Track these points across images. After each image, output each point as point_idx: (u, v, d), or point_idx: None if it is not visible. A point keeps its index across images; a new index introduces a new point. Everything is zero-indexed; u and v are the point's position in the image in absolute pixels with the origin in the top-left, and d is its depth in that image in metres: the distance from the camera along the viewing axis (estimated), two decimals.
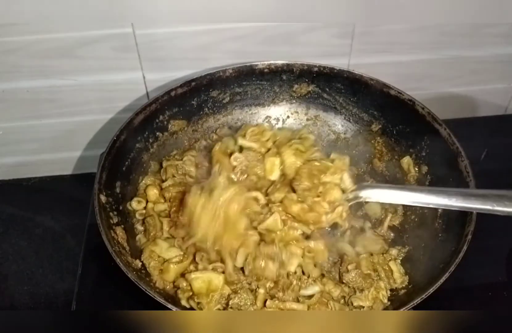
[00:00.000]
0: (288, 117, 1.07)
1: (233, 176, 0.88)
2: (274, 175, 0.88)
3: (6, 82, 1.00)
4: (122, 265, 0.76)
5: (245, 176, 0.88)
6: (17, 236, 1.10)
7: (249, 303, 0.81)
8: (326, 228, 0.87)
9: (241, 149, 0.91)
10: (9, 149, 1.14)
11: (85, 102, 1.06)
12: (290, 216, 0.84)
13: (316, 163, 0.87)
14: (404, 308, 0.74)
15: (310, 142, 0.93)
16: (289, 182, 0.86)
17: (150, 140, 0.99)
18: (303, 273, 0.86)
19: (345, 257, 0.87)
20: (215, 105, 1.03)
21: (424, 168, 0.95)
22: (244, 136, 0.92)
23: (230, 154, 0.90)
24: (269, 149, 0.91)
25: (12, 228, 1.11)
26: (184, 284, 0.83)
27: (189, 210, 0.83)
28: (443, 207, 0.83)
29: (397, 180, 0.97)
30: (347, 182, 0.87)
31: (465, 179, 0.85)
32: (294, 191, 0.85)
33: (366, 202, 0.92)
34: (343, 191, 0.86)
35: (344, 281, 0.84)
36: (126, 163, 0.94)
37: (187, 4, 0.88)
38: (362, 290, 0.84)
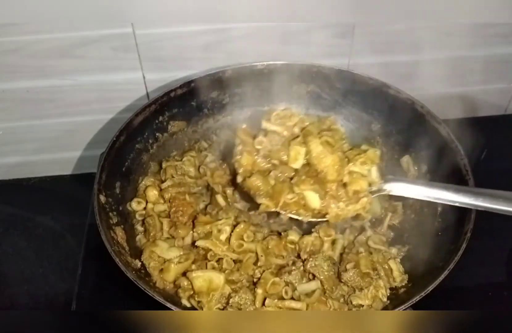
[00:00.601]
0: None
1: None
2: (297, 164, 0.85)
3: (6, 82, 1.00)
4: (122, 265, 0.76)
5: (268, 160, 0.86)
6: (17, 236, 1.10)
7: (249, 303, 0.81)
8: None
9: (265, 132, 0.88)
10: (9, 149, 1.14)
11: (85, 102, 1.06)
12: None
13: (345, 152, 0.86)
14: (403, 306, 0.74)
15: (340, 135, 0.90)
16: (315, 174, 0.84)
17: (150, 141, 0.99)
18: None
19: (344, 256, 0.87)
20: (214, 106, 1.03)
21: (424, 167, 0.95)
22: (269, 119, 0.89)
23: (255, 136, 0.88)
24: (296, 137, 0.87)
25: (12, 228, 1.11)
26: (185, 283, 0.83)
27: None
28: (468, 206, 0.81)
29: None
30: (374, 175, 0.86)
31: (464, 177, 0.85)
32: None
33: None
34: (369, 184, 0.85)
35: (342, 280, 0.84)
36: (126, 163, 0.94)
37: (187, 4, 0.88)
38: (361, 289, 0.83)
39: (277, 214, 0.87)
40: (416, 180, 0.90)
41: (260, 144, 0.86)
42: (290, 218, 0.93)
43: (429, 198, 0.84)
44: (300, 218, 0.85)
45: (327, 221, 0.85)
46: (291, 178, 0.85)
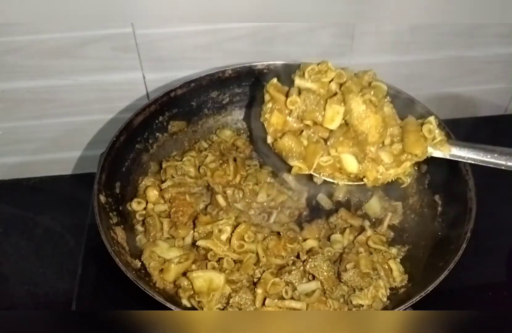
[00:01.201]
0: None
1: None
2: (334, 125, 0.78)
3: (6, 82, 1.00)
4: (121, 265, 0.76)
5: (300, 121, 0.80)
6: (17, 236, 1.10)
7: (249, 303, 0.81)
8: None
9: (298, 90, 0.81)
10: (9, 149, 1.14)
11: (85, 102, 1.06)
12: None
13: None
14: (403, 306, 0.74)
15: (383, 93, 0.82)
16: (354, 135, 0.78)
17: (150, 141, 0.99)
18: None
19: (344, 256, 0.87)
20: (214, 106, 1.04)
21: (424, 167, 0.95)
22: (302, 75, 0.81)
23: (287, 93, 0.81)
24: (333, 94, 0.79)
25: (12, 228, 1.11)
26: (186, 283, 0.83)
27: None
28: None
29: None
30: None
31: (464, 177, 0.85)
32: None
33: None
34: None
35: (342, 280, 0.84)
36: (126, 163, 0.94)
37: (187, 4, 0.88)
38: (361, 289, 0.83)
39: (310, 177, 0.82)
40: (459, 142, 0.83)
41: (294, 104, 0.79)
42: (290, 218, 0.93)
43: (474, 161, 0.79)
44: (335, 181, 0.81)
45: (364, 184, 0.81)
46: (325, 140, 0.79)
